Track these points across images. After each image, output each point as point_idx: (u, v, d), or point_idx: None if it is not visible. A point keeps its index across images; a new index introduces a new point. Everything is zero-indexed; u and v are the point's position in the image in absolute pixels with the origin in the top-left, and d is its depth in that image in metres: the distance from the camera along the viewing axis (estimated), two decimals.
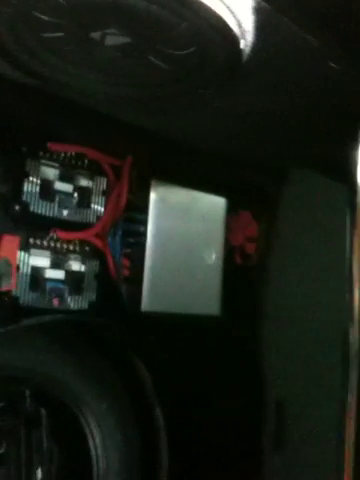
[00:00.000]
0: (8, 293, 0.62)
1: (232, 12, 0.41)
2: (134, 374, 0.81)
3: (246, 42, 0.45)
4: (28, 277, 0.65)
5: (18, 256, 0.64)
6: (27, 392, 0.74)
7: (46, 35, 0.47)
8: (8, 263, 0.62)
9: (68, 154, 0.70)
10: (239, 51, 0.45)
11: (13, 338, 0.64)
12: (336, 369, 0.75)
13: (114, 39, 0.47)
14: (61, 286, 0.69)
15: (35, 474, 0.76)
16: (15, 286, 0.63)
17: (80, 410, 0.77)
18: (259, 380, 0.81)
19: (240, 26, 0.42)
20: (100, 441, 0.78)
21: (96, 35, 0.47)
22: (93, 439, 0.78)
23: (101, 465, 0.79)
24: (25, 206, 0.65)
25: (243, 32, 0.42)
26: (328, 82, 0.56)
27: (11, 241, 0.63)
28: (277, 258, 0.85)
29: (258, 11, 0.41)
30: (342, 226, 0.79)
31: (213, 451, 0.83)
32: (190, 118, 0.67)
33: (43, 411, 0.77)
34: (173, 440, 0.85)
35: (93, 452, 0.78)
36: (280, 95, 0.62)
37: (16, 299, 0.64)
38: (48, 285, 0.67)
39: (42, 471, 0.77)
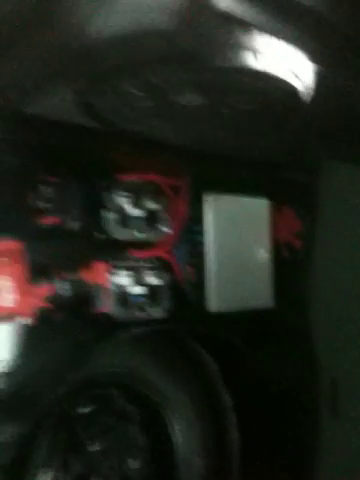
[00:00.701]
0: (104, 313, 0.72)
1: (298, 77, 0.49)
2: (205, 367, 0.91)
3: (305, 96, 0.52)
4: (116, 295, 0.75)
5: (106, 278, 0.73)
6: (117, 393, 0.84)
7: (133, 103, 0.54)
8: (100, 288, 0.72)
9: (134, 182, 0.79)
10: (300, 103, 0.53)
11: (112, 348, 0.74)
12: None
13: (193, 98, 0.55)
14: (142, 299, 0.78)
15: (131, 465, 0.87)
16: (108, 307, 0.72)
17: (163, 404, 0.87)
18: (314, 360, 0.90)
19: (303, 87, 0.50)
20: (180, 429, 0.89)
21: (177, 98, 0.54)
22: (175, 428, 0.88)
23: (183, 448, 0.90)
24: (106, 234, 0.74)
25: (304, 90, 0.50)
26: None
27: (101, 267, 0.72)
28: (322, 250, 0.93)
29: (318, 75, 0.49)
30: None
31: (274, 426, 0.93)
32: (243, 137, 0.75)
33: (133, 408, 0.87)
34: (241, 421, 0.96)
35: (175, 439, 0.89)
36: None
37: (108, 315, 0.74)
38: (132, 300, 0.77)
39: (137, 462, 0.88)
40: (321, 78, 0.50)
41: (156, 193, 0.82)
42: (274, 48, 0.44)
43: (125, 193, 0.77)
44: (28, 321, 0.63)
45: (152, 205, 0.81)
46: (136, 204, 0.78)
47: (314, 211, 0.94)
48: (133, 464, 0.84)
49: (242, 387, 0.93)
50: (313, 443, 0.91)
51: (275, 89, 0.50)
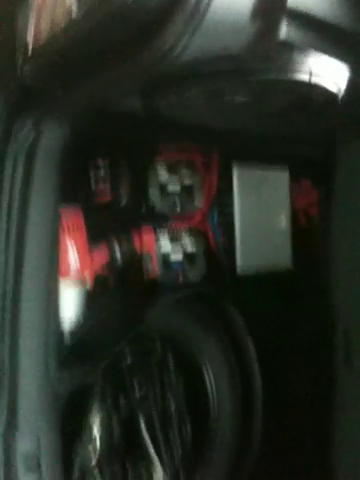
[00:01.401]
0: (152, 279, 0.82)
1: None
2: (234, 324, 1.02)
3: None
4: (161, 262, 0.85)
5: (153, 247, 0.83)
6: (159, 345, 0.95)
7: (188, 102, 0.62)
8: (150, 255, 0.81)
9: (172, 161, 0.88)
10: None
11: (158, 309, 0.84)
12: None
13: (238, 98, 0.63)
14: (182, 266, 0.88)
15: (170, 404, 0.99)
16: (157, 273, 0.82)
17: (199, 356, 0.98)
18: (329, 314, 1.01)
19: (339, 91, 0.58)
20: (212, 374, 1.01)
21: (226, 98, 0.62)
22: (207, 373, 1.00)
23: (214, 393, 1.02)
24: (152, 207, 0.83)
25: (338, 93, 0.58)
26: None
27: (148, 235, 0.82)
28: (336, 217, 1.03)
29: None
30: None
31: (293, 376, 1.05)
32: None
33: (171, 356, 0.98)
34: (264, 370, 1.08)
35: (207, 383, 1.01)
36: None
37: (156, 282, 0.84)
38: (173, 266, 0.87)
39: (173, 402, 1.00)
40: (346, 81, 0.59)
41: (191, 170, 0.91)
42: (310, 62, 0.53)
43: (164, 171, 0.86)
44: (88, 284, 0.73)
45: (187, 180, 0.90)
46: (173, 180, 0.88)
47: (329, 183, 1.03)
48: (172, 406, 0.96)
49: (265, 340, 1.04)
50: (328, 390, 1.02)
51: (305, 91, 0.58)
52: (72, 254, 0.71)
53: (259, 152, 0.99)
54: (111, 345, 0.81)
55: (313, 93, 0.60)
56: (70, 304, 0.71)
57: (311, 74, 0.56)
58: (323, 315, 1.11)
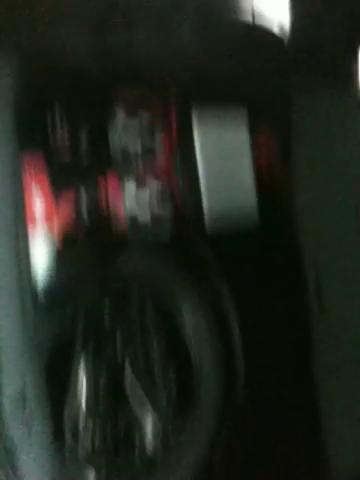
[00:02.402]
0: (119, 216, 0.84)
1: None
2: (207, 260, 1.05)
3: None
4: (128, 211, 0.87)
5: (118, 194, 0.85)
6: (136, 289, 0.97)
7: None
8: (116, 194, 0.83)
9: (130, 95, 0.88)
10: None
11: (130, 257, 0.86)
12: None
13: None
14: (149, 208, 0.90)
15: (153, 350, 1.02)
16: (123, 221, 0.84)
17: (176, 299, 1.01)
18: (299, 260, 1.04)
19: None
20: (191, 313, 1.03)
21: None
22: (186, 311, 1.03)
23: (194, 334, 1.05)
24: (114, 150, 0.83)
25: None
26: None
27: (114, 175, 0.83)
28: (301, 168, 1.05)
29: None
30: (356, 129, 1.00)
31: (271, 321, 1.08)
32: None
33: (151, 302, 1.00)
34: (240, 314, 1.11)
35: (187, 327, 1.03)
36: None
37: (124, 229, 0.85)
38: (140, 217, 0.88)
39: (157, 347, 1.02)
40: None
41: (149, 113, 0.92)
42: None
43: (122, 114, 0.87)
44: (56, 230, 0.74)
45: (146, 123, 0.91)
46: (133, 123, 0.89)
47: (289, 127, 1.05)
48: (155, 349, 0.98)
49: (242, 287, 1.07)
50: (304, 337, 1.05)
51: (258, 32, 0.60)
52: (37, 200, 0.72)
53: (216, 96, 1.01)
54: (87, 291, 0.83)
55: (257, 34, 0.62)
56: (40, 252, 0.72)
57: (254, 15, 0.58)
58: (293, 262, 1.13)
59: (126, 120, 0.86)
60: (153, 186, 0.90)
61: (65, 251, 0.78)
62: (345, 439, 1.03)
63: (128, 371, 0.96)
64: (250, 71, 0.92)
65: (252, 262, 1.05)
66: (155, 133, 0.91)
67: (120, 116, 0.85)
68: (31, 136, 0.73)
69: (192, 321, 1.04)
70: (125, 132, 0.87)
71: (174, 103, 0.94)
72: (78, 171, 0.80)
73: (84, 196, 0.78)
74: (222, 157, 1.00)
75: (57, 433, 0.80)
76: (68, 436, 0.86)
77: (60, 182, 0.76)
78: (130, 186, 0.86)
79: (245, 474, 1.07)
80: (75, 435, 0.88)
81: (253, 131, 1.06)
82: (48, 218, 0.73)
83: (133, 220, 0.86)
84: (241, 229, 0.99)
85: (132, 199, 0.87)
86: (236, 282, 1.06)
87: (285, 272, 1.05)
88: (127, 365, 0.96)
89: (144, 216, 0.88)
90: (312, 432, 1.01)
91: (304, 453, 1.02)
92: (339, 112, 1.05)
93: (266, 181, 1.07)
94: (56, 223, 0.75)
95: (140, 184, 0.88)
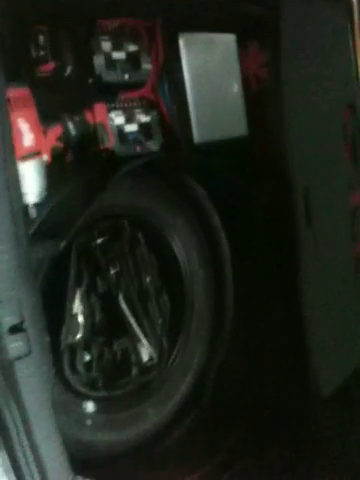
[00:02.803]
0: (108, 149, 0.81)
1: None
2: (195, 193, 1.04)
3: None
4: (115, 133, 0.84)
5: (106, 118, 0.82)
6: (126, 223, 0.97)
7: None
8: (103, 126, 0.80)
9: (113, 27, 0.84)
10: None
11: (118, 183, 0.85)
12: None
13: None
14: (137, 136, 0.87)
15: (145, 279, 1.03)
16: (112, 143, 0.81)
17: (165, 228, 1.00)
18: (288, 173, 1.03)
19: None
20: (181, 246, 1.04)
21: None
22: (176, 245, 1.03)
23: (185, 262, 1.06)
24: (99, 78, 0.81)
25: None
26: None
27: (100, 107, 0.80)
28: (286, 78, 1.02)
29: None
30: (344, 39, 0.97)
31: (258, 240, 1.09)
32: None
33: (139, 234, 1.00)
34: (229, 238, 1.11)
35: (177, 254, 1.04)
36: None
37: (113, 152, 0.83)
38: (129, 137, 0.86)
39: (148, 276, 1.03)
40: None
41: (133, 35, 0.88)
42: None
43: (106, 37, 0.83)
44: (45, 156, 0.72)
45: (131, 47, 0.87)
46: (118, 47, 0.85)
47: (276, 43, 1.02)
48: (147, 280, 0.99)
49: (228, 209, 1.07)
50: (293, 253, 1.06)
51: None
52: (25, 131, 0.70)
53: (202, 15, 0.96)
54: (78, 217, 0.82)
55: None
56: (30, 177, 0.71)
57: None
58: (281, 180, 1.13)
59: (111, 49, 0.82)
60: (140, 113, 0.87)
61: (56, 176, 0.76)
62: (329, 351, 1.06)
63: (123, 303, 0.97)
64: None
65: (241, 184, 1.04)
66: (140, 59, 0.87)
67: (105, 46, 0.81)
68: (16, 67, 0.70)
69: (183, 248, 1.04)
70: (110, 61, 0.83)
71: (159, 26, 0.90)
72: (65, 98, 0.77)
73: (71, 123, 0.76)
74: (210, 75, 0.97)
75: (55, 362, 0.82)
76: (66, 365, 0.88)
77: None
78: (117, 113, 0.84)
79: (235, 398, 1.11)
80: (73, 364, 0.90)
81: (241, 46, 1.02)
82: (36, 146, 0.71)
83: (122, 148, 0.84)
84: (230, 147, 0.98)
85: (120, 127, 0.84)
86: (225, 207, 1.05)
87: (273, 194, 1.05)
88: (121, 298, 0.97)
89: (133, 146, 0.86)
90: (299, 352, 1.04)
91: (291, 371, 1.06)
92: (328, 23, 1.02)
93: (255, 107, 1.05)
94: (43, 149, 0.72)
95: (127, 111, 0.85)
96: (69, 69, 0.76)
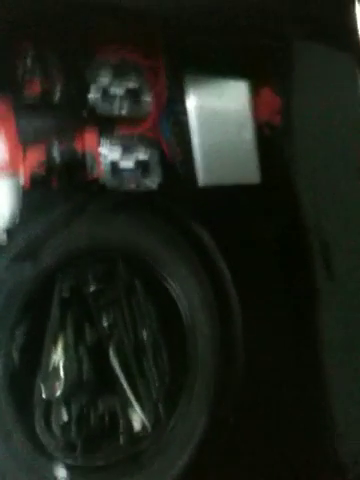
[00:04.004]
0: (97, 180, 0.77)
1: None
2: (201, 241, 0.96)
3: None
4: (108, 166, 0.79)
5: (97, 149, 0.78)
6: (121, 268, 0.89)
7: None
8: (92, 155, 0.76)
9: (114, 61, 0.83)
10: None
11: (103, 217, 0.79)
12: None
13: None
14: (133, 173, 0.83)
15: (141, 332, 0.93)
16: (102, 173, 0.77)
17: (167, 277, 0.92)
18: (304, 225, 0.95)
19: None
20: (184, 297, 0.95)
21: None
22: (179, 296, 0.94)
23: (188, 316, 0.96)
24: (93, 108, 0.78)
25: None
26: None
27: (91, 136, 0.76)
28: (301, 124, 0.97)
29: None
30: (354, 84, 0.92)
31: (272, 292, 0.99)
32: None
33: (137, 281, 0.92)
34: (240, 290, 1.02)
35: (180, 306, 0.94)
36: None
37: (103, 186, 0.78)
38: (123, 173, 0.81)
39: (145, 329, 0.93)
40: None
41: (135, 72, 0.86)
42: None
43: (104, 70, 0.81)
44: (22, 178, 0.68)
45: (132, 83, 0.85)
46: (116, 82, 0.83)
47: (291, 87, 0.98)
48: (144, 333, 0.90)
49: (238, 257, 0.98)
50: (311, 305, 0.96)
51: None
52: (1, 147, 0.66)
53: (211, 55, 0.94)
54: (56, 255, 0.76)
55: None
56: (5, 197, 0.66)
57: None
58: (298, 230, 1.05)
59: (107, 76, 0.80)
60: (138, 149, 0.83)
61: (31, 203, 0.71)
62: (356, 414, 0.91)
63: (114, 358, 0.87)
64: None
65: (250, 239, 0.96)
66: (141, 97, 0.84)
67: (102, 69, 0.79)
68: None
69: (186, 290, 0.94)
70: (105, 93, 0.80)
71: (164, 65, 0.88)
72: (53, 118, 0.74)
73: (57, 149, 0.72)
74: (219, 119, 0.93)
75: (25, 414, 0.72)
76: (38, 421, 0.78)
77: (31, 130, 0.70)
78: (112, 147, 0.79)
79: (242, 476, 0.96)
80: (47, 422, 0.79)
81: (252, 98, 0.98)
82: (11, 165, 0.67)
83: (114, 183, 0.79)
84: (239, 193, 0.91)
85: (114, 163, 0.80)
86: (233, 257, 0.96)
87: (292, 250, 0.96)
88: (112, 352, 0.88)
89: (126, 182, 0.81)
90: (318, 419, 0.90)
91: (310, 441, 0.91)
92: (338, 68, 0.98)
93: (268, 155, 0.99)
94: (20, 170, 0.68)
95: (123, 146, 0.81)
96: (58, 94, 0.73)
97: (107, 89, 0.81)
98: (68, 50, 0.74)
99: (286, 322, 0.96)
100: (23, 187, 0.69)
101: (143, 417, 0.90)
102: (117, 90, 0.82)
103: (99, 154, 0.77)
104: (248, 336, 1.01)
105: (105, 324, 0.90)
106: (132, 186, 0.81)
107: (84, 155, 0.75)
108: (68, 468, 0.78)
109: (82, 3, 0.69)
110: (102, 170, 0.77)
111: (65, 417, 0.82)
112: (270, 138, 1.04)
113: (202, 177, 0.92)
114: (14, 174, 0.67)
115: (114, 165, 0.80)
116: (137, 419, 0.90)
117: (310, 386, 0.88)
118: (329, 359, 0.90)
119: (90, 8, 0.70)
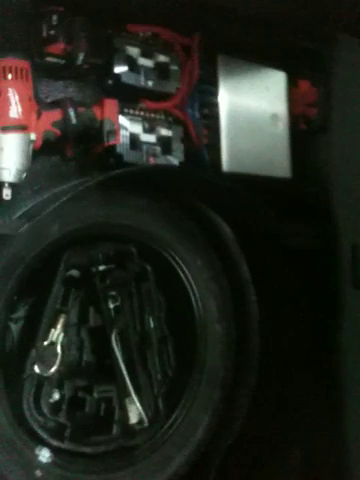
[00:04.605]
0: (114, 147, 0.73)
1: None
2: (222, 236, 0.91)
3: None
4: (128, 138, 0.76)
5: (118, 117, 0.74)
6: (134, 251, 0.85)
7: None
8: (112, 122, 0.73)
9: (145, 34, 0.80)
10: None
11: (111, 197, 0.75)
12: None
13: None
14: (153, 147, 0.79)
15: (148, 322, 0.88)
16: (119, 141, 0.73)
17: (180, 266, 0.87)
18: (334, 227, 0.89)
19: None
20: (198, 291, 0.89)
21: None
22: (192, 290, 0.89)
23: (201, 312, 0.90)
24: (118, 78, 0.75)
25: None
26: None
27: (111, 103, 0.73)
28: (338, 120, 0.92)
29: None
30: None
31: (294, 295, 0.92)
32: None
33: (149, 267, 0.88)
34: (259, 292, 0.95)
35: (193, 301, 0.89)
36: None
37: (120, 156, 0.75)
38: (144, 146, 0.78)
39: (153, 319, 0.89)
40: None
41: (166, 47, 0.82)
42: None
43: (134, 41, 0.78)
44: (34, 138, 0.65)
45: (161, 57, 0.81)
46: (145, 54, 0.79)
47: (329, 82, 0.93)
48: (150, 323, 0.85)
49: (261, 257, 0.92)
50: (335, 312, 0.89)
51: None
52: (14, 102, 0.63)
53: (249, 40, 0.90)
54: (68, 222, 0.72)
55: None
56: (9, 151, 0.63)
57: None
58: (327, 228, 0.98)
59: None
60: (161, 125, 0.79)
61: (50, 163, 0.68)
62: None
63: (116, 345, 0.82)
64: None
65: (275, 236, 0.89)
66: (170, 72, 0.81)
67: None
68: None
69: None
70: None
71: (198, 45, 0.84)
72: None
73: (73, 111, 0.69)
74: (251, 106, 0.88)
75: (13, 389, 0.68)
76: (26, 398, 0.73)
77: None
78: (133, 118, 0.76)
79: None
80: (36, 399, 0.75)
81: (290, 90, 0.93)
82: (24, 121, 0.64)
83: (132, 156, 0.75)
84: (266, 185, 0.86)
85: (134, 135, 0.76)
86: (256, 256, 0.89)
87: (318, 251, 0.89)
88: (114, 337, 0.83)
89: (145, 155, 0.77)
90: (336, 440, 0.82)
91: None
92: None
93: (302, 149, 0.94)
94: (33, 129, 0.65)
95: (145, 119, 0.78)
96: (81, 57, 0.70)
97: (135, 60, 0.78)
98: (97, 18, 0.72)
99: (307, 328, 0.89)
100: (35, 148, 0.67)
101: (141, 410, 0.84)
102: (146, 62, 0.79)
103: (119, 124, 0.74)
104: (265, 343, 0.93)
105: (111, 306, 0.86)
106: (151, 161, 0.77)
107: (102, 122, 0.72)
108: (53, 450, 0.73)
109: None
110: (120, 141, 0.74)
111: (56, 396, 0.77)
112: (305, 132, 0.99)
113: (227, 163, 0.87)
114: (24, 128, 0.65)
115: (134, 137, 0.77)
116: (134, 411, 0.85)
117: (328, 397, 0.80)
118: (351, 369, 0.82)
119: None
